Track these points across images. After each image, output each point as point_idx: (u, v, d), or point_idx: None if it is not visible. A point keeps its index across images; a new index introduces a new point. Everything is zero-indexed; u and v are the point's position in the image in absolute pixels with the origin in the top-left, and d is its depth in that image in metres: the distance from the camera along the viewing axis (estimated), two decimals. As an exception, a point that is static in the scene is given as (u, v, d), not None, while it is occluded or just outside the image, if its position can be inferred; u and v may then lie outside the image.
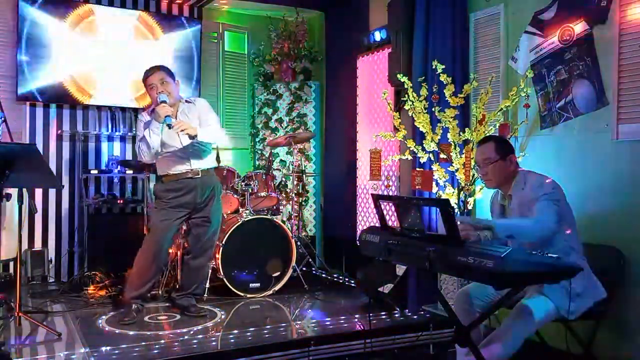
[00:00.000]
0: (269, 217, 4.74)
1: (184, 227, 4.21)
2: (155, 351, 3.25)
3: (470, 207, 3.98)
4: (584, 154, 3.44)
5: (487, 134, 3.68)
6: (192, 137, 3.75)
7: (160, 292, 4.49)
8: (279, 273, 4.62)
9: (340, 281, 5.17)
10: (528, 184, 2.89)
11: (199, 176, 3.91)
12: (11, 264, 4.90)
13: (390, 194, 5.01)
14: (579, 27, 3.52)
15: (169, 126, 3.63)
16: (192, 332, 3.61)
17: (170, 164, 3.89)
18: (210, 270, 4.33)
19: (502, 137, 3.16)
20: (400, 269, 4.23)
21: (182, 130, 3.69)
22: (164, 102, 3.68)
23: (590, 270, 2.84)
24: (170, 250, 4.58)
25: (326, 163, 6.12)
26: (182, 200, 3.89)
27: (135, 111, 5.44)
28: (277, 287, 4.59)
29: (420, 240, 2.55)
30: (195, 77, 5.77)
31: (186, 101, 4.00)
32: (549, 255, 2.52)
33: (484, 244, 2.53)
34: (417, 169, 4.14)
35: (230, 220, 4.65)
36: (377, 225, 2.93)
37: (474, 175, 3.85)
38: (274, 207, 5.37)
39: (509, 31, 4.01)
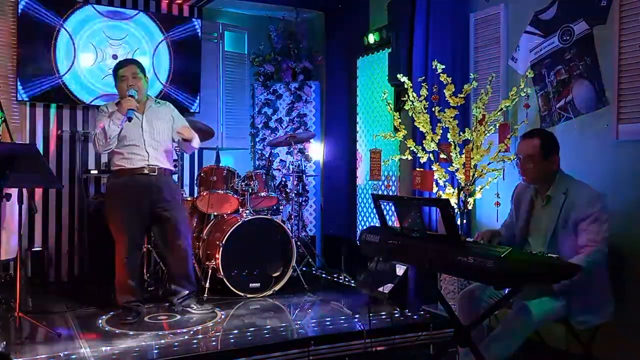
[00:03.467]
0: (269, 217, 4.74)
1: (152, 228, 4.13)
2: (155, 351, 3.25)
3: (470, 207, 3.98)
4: (584, 154, 3.44)
5: (534, 128, 3.43)
6: (187, 139, 3.93)
7: (160, 292, 4.50)
8: (279, 273, 4.62)
9: (340, 281, 5.17)
10: (574, 193, 2.81)
11: (155, 174, 3.87)
12: (11, 264, 4.90)
13: (390, 194, 5.01)
14: (579, 27, 3.52)
15: (130, 119, 3.69)
16: (192, 332, 3.61)
17: (127, 158, 3.85)
18: (192, 263, 4.18)
19: (549, 133, 3.05)
20: (400, 269, 4.23)
21: (182, 134, 3.89)
22: (132, 96, 3.74)
23: (609, 286, 2.87)
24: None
25: (326, 163, 6.12)
26: (138, 198, 3.83)
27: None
28: (277, 287, 4.59)
29: (420, 240, 2.55)
30: (195, 77, 5.77)
31: (156, 101, 4.06)
32: (548, 255, 2.52)
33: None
34: (417, 169, 4.14)
35: (230, 220, 4.65)
36: (377, 225, 2.93)
37: (473, 175, 3.85)
38: (274, 207, 5.37)
39: (509, 31, 4.01)
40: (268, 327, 3.72)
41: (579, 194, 2.81)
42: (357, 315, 3.96)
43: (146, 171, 3.85)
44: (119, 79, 3.87)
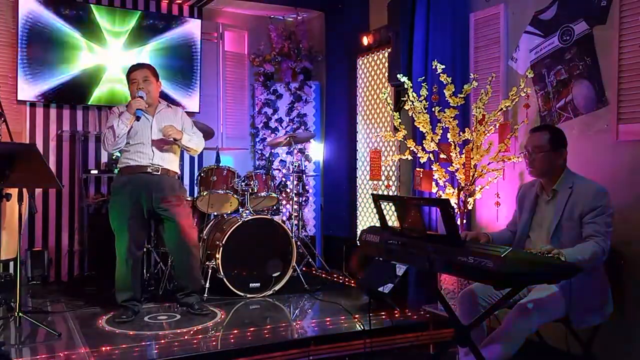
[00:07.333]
0: (269, 217, 4.74)
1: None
2: (155, 351, 3.25)
3: (470, 207, 3.98)
4: (584, 155, 3.44)
5: (540, 125, 3.47)
6: (175, 140, 3.91)
7: (160, 291, 4.50)
8: (279, 273, 4.63)
9: (340, 281, 5.17)
10: (580, 188, 2.83)
11: (158, 173, 3.92)
12: (11, 264, 4.90)
13: (390, 194, 5.01)
14: (578, 27, 3.52)
15: (138, 119, 3.79)
16: (192, 332, 3.61)
17: (133, 156, 3.92)
18: (199, 264, 4.20)
19: (558, 129, 3.07)
20: (400, 269, 4.23)
21: (169, 134, 3.86)
22: (141, 97, 3.84)
23: (609, 287, 2.87)
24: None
25: (326, 163, 6.13)
26: (139, 196, 3.88)
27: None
28: (277, 287, 4.60)
29: (420, 240, 2.55)
30: (195, 77, 5.77)
31: (167, 105, 4.12)
32: (548, 255, 2.52)
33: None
34: (417, 169, 4.14)
35: (230, 220, 4.65)
36: (377, 225, 2.93)
37: (473, 175, 3.85)
38: (274, 207, 5.36)
39: (509, 31, 4.01)
40: (268, 327, 3.72)
41: (585, 188, 2.83)
42: (357, 315, 3.96)
43: (150, 170, 3.91)
44: (130, 82, 3.97)
